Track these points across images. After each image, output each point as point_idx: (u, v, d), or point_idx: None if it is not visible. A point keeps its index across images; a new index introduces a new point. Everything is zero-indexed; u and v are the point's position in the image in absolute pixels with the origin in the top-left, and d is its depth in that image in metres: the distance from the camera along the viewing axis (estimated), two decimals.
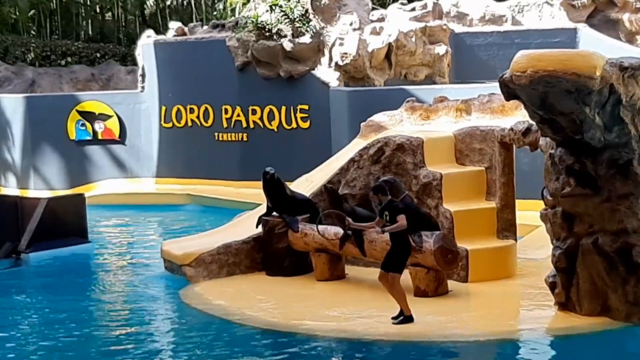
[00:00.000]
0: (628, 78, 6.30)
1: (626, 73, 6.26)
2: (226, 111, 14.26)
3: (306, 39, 13.48)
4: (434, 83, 13.43)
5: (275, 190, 8.41)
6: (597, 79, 6.02)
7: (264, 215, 8.66)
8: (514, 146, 8.11)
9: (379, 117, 9.40)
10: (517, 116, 8.17)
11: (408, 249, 6.92)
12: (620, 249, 6.66)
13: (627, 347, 6.53)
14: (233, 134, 14.25)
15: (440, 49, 13.75)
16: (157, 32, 16.35)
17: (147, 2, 20.68)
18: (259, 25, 13.66)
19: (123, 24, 20.47)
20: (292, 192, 8.62)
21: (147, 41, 15.10)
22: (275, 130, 13.90)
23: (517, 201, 8.28)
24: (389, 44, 13.29)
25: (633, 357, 6.40)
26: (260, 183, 8.64)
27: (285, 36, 13.55)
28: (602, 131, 6.40)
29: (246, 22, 14.02)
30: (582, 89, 6.04)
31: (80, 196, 11.05)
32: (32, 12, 19.29)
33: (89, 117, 14.92)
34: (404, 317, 6.80)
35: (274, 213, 8.62)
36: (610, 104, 6.30)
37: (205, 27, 15.51)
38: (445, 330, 6.71)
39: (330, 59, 13.38)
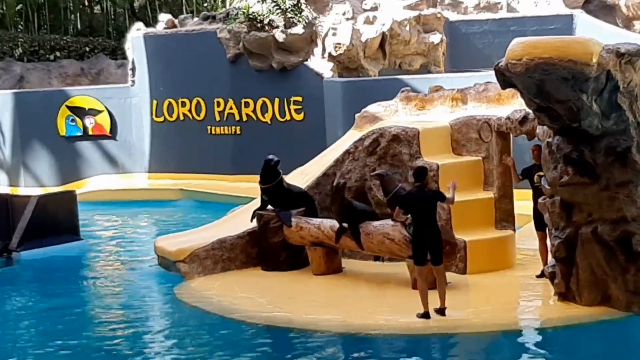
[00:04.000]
0: (625, 64, 6.24)
1: (623, 59, 6.20)
2: (218, 104, 14.12)
3: (298, 29, 13.33)
4: (429, 72, 13.32)
5: (273, 179, 8.27)
6: (593, 66, 5.97)
7: (259, 209, 8.55)
8: (511, 135, 8.03)
9: (373, 108, 9.31)
10: (513, 105, 8.09)
11: (414, 239, 6.78)
12: (620, 238, 6.62)
13: (627, 337, 6.49)
14: (226, 127, 14.12)
15: (435, 38, 13.62)
16: (147, 24, 16.16)
17: None
18: (250, 16, 13.51)
19: (112, 17, 20.23)
20: (288, 185, 8.51)
21: (136, 34, 14.93)
22: (269, 122, 13.78)
23: (514, 191, 8.21)
24: (383, 33, 13.16)
25: (634, 346, 6.35)
26: (255, 177, 8.51)
27: (277, 27, 13.41)
28: (599, 118, 6.34)
29: (237, 13, 13.86)
30: (578, 76, 5.99)
31: (72, 193, 10.95)
32: (19, 6, 19.04)
33: (79, 112, 14.76)
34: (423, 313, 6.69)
35: (269, 207, 8.52)
36: (607, 91, 6.24)
37: (195, 19, 15.35)
38: (444, 323, 6.65)
39: (324, 49, 13.25)
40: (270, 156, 8.44)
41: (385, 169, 8.05)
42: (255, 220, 8.53)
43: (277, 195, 8.38)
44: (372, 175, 7.81)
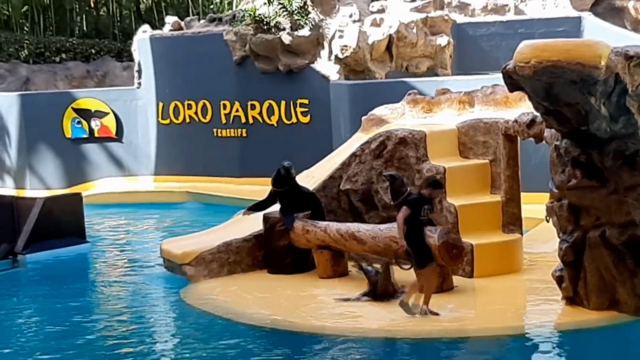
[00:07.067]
0: (634, 67, 6.17)
1: (632, 62, 6.14)
2: (225, 106, 14.10)
3: (305, 31, 13.31)
4: (436, 75, 13.27)
5: (287, 183, 8.26)
6: (602, 69, 5.91)
7: (259, 203, 8.48)
8: (519, 138, 7.98)
9: (380, 111, 9.27)
10: (521, 108, 8.04)
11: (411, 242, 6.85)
12: (628, 242, 6.56)
13: (636, 342, 6.43)
14: (232, 130, 14.10)
15: (442, 40, 13.57)
16: (153, 27, 16.17)
17: None
18: (257, 19, 13.49)
19: (118, 19, 20.28)
20: (300, 187, 8.49)
21: (143, 36, 14.93)
22: (275, 125, 13.75)
23: (522, 194, 8.16)
24: (390, 36, 13.13)
25: None
26: (260, 179, 8.48)
27: (284, 29, 13.39)
28: (608, 122, 6.29)
29: (243, 15, 13.84)
30: (587, 79, 5.93)
31: (78, 195, 10.91)
32: (25, 8, 19.08)
33: (85, 114, 14.77)
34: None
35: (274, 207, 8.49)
36: (616, 94, 6.18)
37: (202, 21, 15.35)
38: (451, 327, 6.61)
39: (330, 51, 13.22)
40: (287, 163, 8.37)
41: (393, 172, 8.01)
42: (247, 212, 8.48)
43: (290, 198, 8.34)
44: (385, 175, 7.79)
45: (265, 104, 13.78)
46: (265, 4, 13.58)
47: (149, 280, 8.81)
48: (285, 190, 8.30)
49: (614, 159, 6.45)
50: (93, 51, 17.72)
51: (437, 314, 6.76)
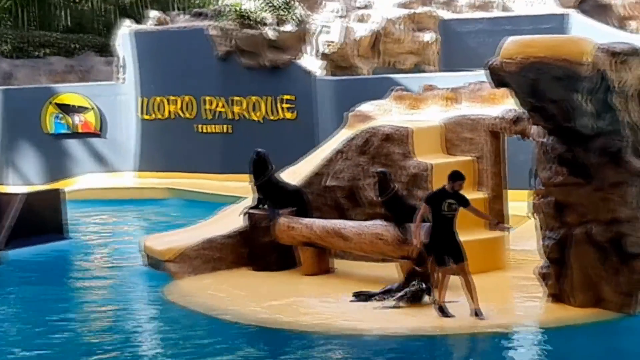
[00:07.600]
0: (619, 64, 6.20)
1: (617, 59, 6.16)
2: (209, 102, 13.99)
3: (290, 27, 13.24)
4: (422, 71, 13.26)
5: (262, 172, 8.19)
6: (587, 65, 5.93)
7: (251, 207, 8.43)
8: (505, 135, 7.98)
9: (365, 107, 9.24)
10: (507, 104, 8.03)
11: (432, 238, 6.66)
12: (613, 239, 6.59)
13: (621, 338, 6.45)
14: (216, 126, 14.00)
15: (428, 37, 13.56)
16: (137, 21, 15.98)
17: None
18: (241, 14, 13.40)
19: (102, 13, 20.04)
20: (282, 182, 8.41)
21: (126, 31, 14.78)
22: (260, 121, 13.67)
23: (508, 192, 8.16)
24: (376, 32, 13.10)
25: (627, 348, 6.30)
26: (244, 176, 8.42)
27: (269, 24, 13.30)
28: (593, 119, 6.31)
29: (228, 10, 13.75)
30: (572, 76, 5.96)
31: (59, 191, 10.79)
32: (7, 2, 18.80)
33: (67, 109, 14.60)
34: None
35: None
36: (601, 91, 6.20)
37: (186, 16, 15.21)
38: (435, 324, 6.58)
39: (315, 47, 13.16)
40: (257, 150, 8.37)
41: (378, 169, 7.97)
42: (244, 218, 8.42)
43: (270, 191, 8.27)
44: (376, 171, 7.73)
45: (250, 100, 13.69)
46: None
47: (131, 277, 8.71)
48: (264, 183, 8.22)
49: (599, 155, 6.47)
50: (76, 46, 17.48)
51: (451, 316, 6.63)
